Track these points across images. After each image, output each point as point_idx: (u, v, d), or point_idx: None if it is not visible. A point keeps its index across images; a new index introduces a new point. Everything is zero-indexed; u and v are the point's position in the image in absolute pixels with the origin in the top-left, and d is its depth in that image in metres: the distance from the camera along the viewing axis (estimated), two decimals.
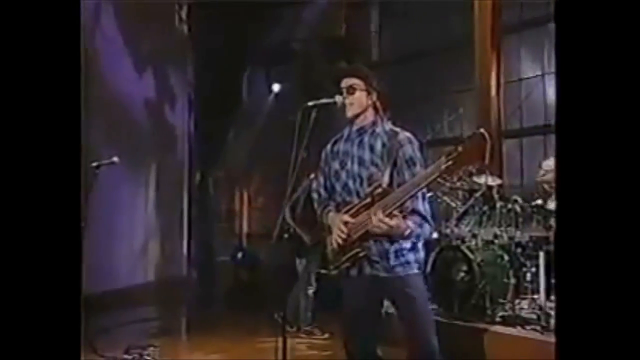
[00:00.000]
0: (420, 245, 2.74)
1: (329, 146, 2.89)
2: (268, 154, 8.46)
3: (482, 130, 2.29)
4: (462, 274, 4.60)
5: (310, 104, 2.70)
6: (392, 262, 2.65)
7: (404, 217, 2.56)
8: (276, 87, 8.03)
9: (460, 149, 2.25)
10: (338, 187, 2.79)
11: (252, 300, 6.60)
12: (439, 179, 2.49)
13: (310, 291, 5.53)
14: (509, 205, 4.67)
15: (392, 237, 2.59)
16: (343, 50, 7.73)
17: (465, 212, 4.91)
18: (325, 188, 2.88)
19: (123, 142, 6.61)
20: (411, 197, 2.48)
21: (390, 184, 2.60)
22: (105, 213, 6.04)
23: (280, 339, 3.14)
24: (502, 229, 4.65)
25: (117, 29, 6.99)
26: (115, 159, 4.04)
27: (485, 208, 4.81)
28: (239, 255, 7.23)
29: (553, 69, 6.19)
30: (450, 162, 2.27)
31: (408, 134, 2.72)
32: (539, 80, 6.33)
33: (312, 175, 5.51)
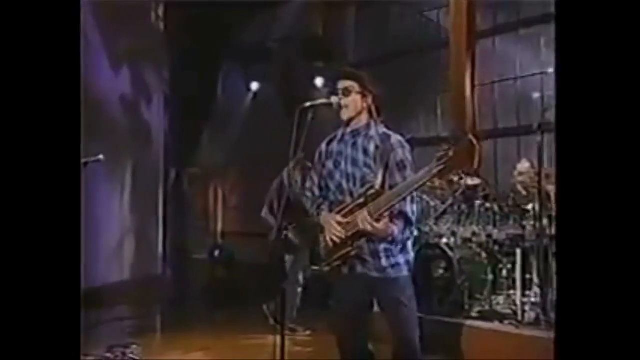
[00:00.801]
0: (409, 246, 2.85)
1: (323, 146, 2.96)
2: (244, 152, 8.51)
3: (470, 135, 2.41)
4: (441, 271, 4.75)
5: (307, 104, 2.77)
6: (384, 262, 2.74)
7: (392, 218, 2.66)
8: (254, 86, 8.04)
9: (450, 153, 2.36)
10: (332, 187, 2.87)
11: (231, 298, 6.63)
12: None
13: (299, 289, 5.59)
14: (487, 205, 4.83)
15: (377, 237, 2.69)
16: (321, 50, 7.80)
17: (444, 211, 5.05)
18: (320, 187, 2.95)
19: (99, 139, 6.54)
20: (403, 199, 2.59)
21: (383, 185, 2.69)
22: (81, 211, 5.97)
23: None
24: (481, 227, 4.81)
25: (93, 25, 6.92)
26: (100, 156, 4.02)
27: (464, 207, 4.96)
28: (217, 252, 7.24)
29: (525, 73, 6.39)
30: (441, 166, 2.37)
31: (400, 138, 2.82)
32: (512, 83, 6.52)
33: (284, 173, 5.65)
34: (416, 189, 2.58)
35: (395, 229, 2.65)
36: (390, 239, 2.67)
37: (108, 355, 4.47)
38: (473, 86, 6.59)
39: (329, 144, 2.94)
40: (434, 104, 7.16)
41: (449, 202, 5.02)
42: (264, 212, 5.72)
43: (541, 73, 6.42)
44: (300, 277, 5.54)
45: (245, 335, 5.57)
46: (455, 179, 4.91)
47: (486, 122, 6.62)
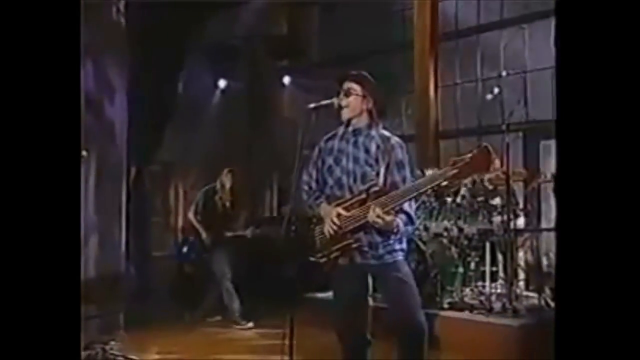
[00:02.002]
0: (403, 236, 3.02)
1: (322, 142, 3.09)
2: (207, 149, 8.52)
3: (485, 144, 2.57)
4: (413, 264, 4.96)
5: (312, 105, 2.89)
6: (381, 251, 2.90)
7: (396, 214, 2.82)
8: (220, 84, 8.06)
9: (467, 159, 2.53)
10: (330, 182, 3.00)
11: (200, 294, 6.62)
12: None
13: (228, 283, 5.84)
14: (458, 200, 5.08)
15: (382, 231, 2.85)
16: (285, 48, 7.91)
17: (417, 207, 5.26)
18: (317, 181, 3.08)
19: None
20: (412, 198, 2.75)
21: (385, 183, 2.85)
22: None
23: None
24: (452, 222, 5.06)
25: None
26: (83, 152, 4.00)
27: (436, 204, 5.20)
28: (185, 249, 7.21)
29: (485, 75, 6.73)
30: (456, 170, 2.54)
31: (398, 139, 2.99)
32: (473, 85, 6.83)
33: (216, 184, 6.02)
34: (428, 190, 2.74)
35: (400, 222, 2.82)
36: (395, 231, 2.83)
37: (89, 352, 4.44)
38: (436, 87, 6.87)
39: (327, 141, 3.07)
40: (399, 104, 7.39)
41: (421, 199, 5.23)
42: (191, 214, 6.19)
43: (499, 76, 6.78)
44: (228, 271, 5.85)
45: (218, 329, 5.66)
46: None
47: (448, 122, 6.93)
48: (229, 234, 6.01)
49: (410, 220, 2.92)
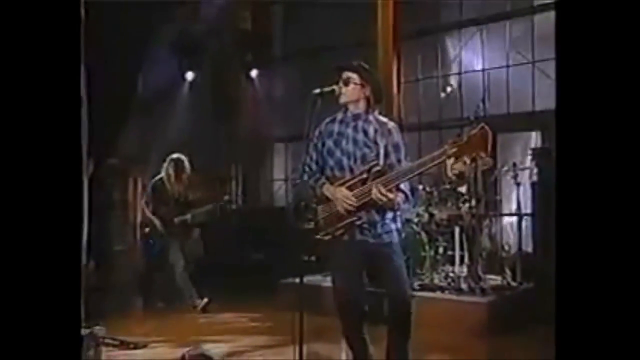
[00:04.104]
0: (399, 217, 3.26)
1: (322, 126, 3.28)
2: (167, 142, 8.52)
3: (483, 124, 2.67)
4: None
5: (316, 91, 3.08)
6: (379, 230, 3.13)
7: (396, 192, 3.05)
8: (189, 76, 8.09)
9: (465, 138, 2.69)
10: (331, 163, 3.21)
11: (166, 286, 6.64)
12: None
13: (180, 270, 5.97)
14: (427, 188, 5.38)
15: (384, 208, 3.07)
16: (250, 43, 8.03)
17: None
18: (317, 162, 3.27)
19: None
20: (414, 176, 2.98)
21: (384, 164, 3.07)
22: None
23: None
24: (423, 209, 5.35)
25: None
26: None
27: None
28: (150, 241, 7.19)
29: (446, 72, 7.10)
30: (455, 149, 2.70)
31: (393, 124, 3.22)
32: (434, 81, 7.18)
33: (162, 173, 6.06)
34: (429, 168, 2.94)
35: (400, 199, 3.05)
36: (396, 208, 3.05)
37: None
38: (399, 83, 7.16)
39: (327, 124, 3.27)
40: None
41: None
42: (142, 204, 6.34)
43: (458, 73, 7.20)
44: (182, 260, 5.98)
45: (190, 315, 5.73)
46: None
47: (410, 116, 7.25)
48: (177, 219, 5.98)
49: (407, 198, 3.15)
